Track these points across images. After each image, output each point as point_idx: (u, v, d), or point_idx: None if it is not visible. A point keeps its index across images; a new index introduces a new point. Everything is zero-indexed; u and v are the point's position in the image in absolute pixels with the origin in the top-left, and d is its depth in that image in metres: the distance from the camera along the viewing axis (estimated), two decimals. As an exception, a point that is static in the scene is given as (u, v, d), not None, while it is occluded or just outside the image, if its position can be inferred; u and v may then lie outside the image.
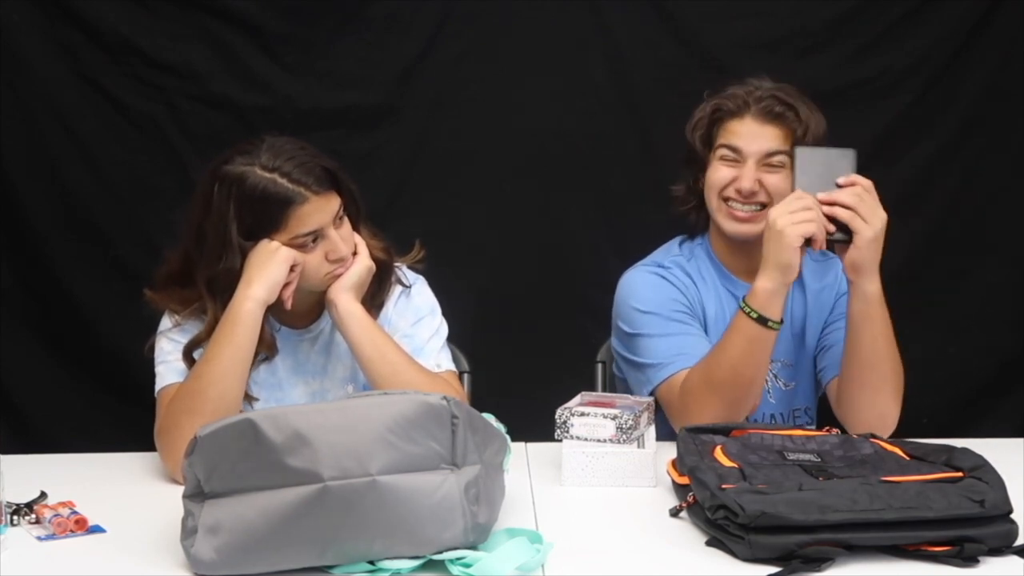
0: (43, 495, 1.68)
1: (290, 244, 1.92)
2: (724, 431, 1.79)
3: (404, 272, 2.14)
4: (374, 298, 2.07)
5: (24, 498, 1.66)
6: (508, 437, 1.64)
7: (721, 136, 2.15)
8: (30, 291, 2.86)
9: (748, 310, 1.96)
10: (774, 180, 2.11)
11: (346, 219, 1.99)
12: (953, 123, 2.90)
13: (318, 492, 1.41)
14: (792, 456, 1.67)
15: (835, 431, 1.81)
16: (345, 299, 1.97)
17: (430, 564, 1.46)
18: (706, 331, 2.17)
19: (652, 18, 2.87)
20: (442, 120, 2.88)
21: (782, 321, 1.99)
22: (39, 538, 1.58)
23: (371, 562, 1.45)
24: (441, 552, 1.45)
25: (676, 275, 2.21)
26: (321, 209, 1.92)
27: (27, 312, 2.85)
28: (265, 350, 1.99)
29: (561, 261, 2.89)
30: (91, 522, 1.61)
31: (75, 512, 1.62)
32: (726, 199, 2.13)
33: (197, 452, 1.45)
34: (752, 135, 2.12)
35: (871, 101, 2.88)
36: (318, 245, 1.94)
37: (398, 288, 2.11)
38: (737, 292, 2.17)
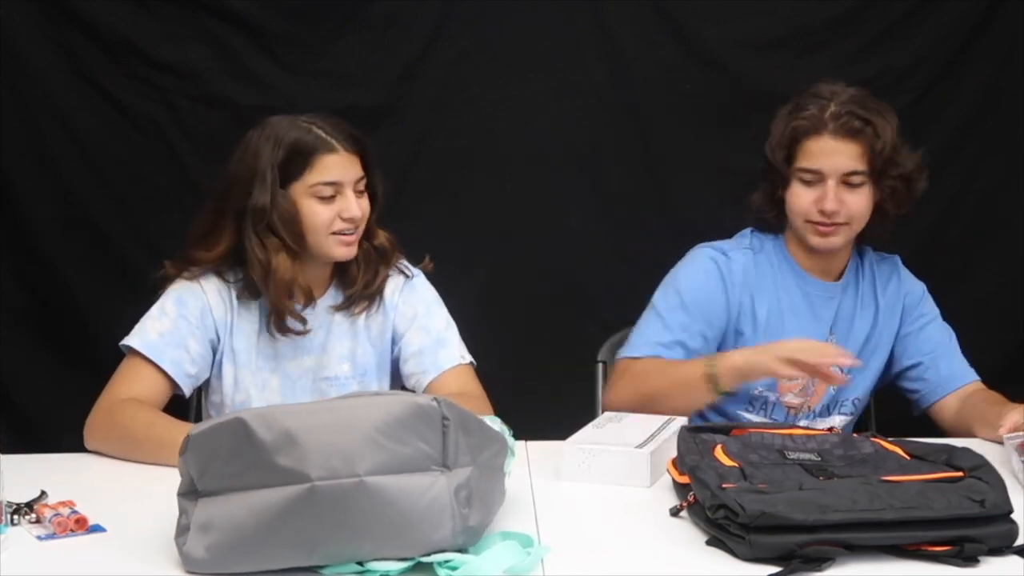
0: (43, 495, 1.68)
1: (311, 192, 2.04)
2: (724, 430, 1.79)
3: (406, 264, 2.21)
4: (368, 286, 2.14)
5: (24, 497, 1.65)
6: (512, 440, 1.63)
7: (800, 157, 2.17)
8: (30, 291, 2.86)
9: (710, 366, 2.05)
10: (854, 200, 2.15)
11: (367, 197, 2.11)
12: (953, 123, 2.90)
13: (306, 492, 1.40)
14: (792, 455, 1.66)
15: (837, 431, 1.81)
16: None
17: (419, 566, 1.44)
18: (754, 330, 2.21)
19: (652, 18, 2.87)
20: (442, 120, 2.88)
21: (734, 393, 2.10)
22: (39, 537, 1.58)
23: (360, 563, 1.44)
24: (430, 554, 1.44)
25: (734, 270, 2.22)
26: (345, 165, 2.06)
27: (27, 312, 2.85)
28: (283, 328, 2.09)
29: (561, 261, 2.89)
30: (91, 522, 1.61)
31: (75, 512, 1.61)
32: (810, 220, 2.17)
33: (190, 450, 1.45)
34: (830, 153, 2.14)
35: (871, 101, 2.88)
36: (335, 202, 2.05)
37: (401, 278, 2.19)
38: (809, 289, 2.24)
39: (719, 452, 1.67)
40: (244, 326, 2.13)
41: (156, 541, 1.54)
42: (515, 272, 2.90)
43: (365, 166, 2.10)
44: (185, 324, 2.08)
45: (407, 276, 2.20)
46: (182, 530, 1.46)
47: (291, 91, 2.78)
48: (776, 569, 1.44)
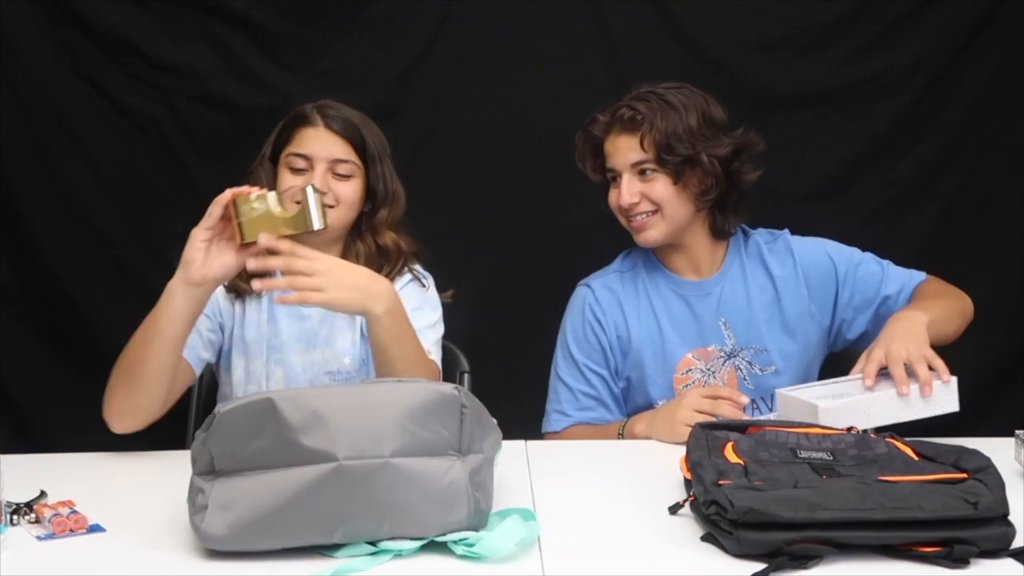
0: (43, 495, 1.69)
1: (286, 162, 2.11)
2: (740, 428, 1.78)
3: (423, 272, 2.22)
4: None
5: (24, 497, 1.66)
6: (499, 432, 1.65)
7: (605, 160, 2.26)
8: (30, 291, 2.86)
9: (620, 435, 2.15)
10: (649, 188, 2.20)
11: (352, 183, 2.13)
12: (953, 123, 2.90)
13: (332, 470, 1.45)
14: (804, 454, 1.65)
15: (856, 430, 1.79)
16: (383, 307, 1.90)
17: (431, 546, 1.50)
18: (629, 345, 2.26)
19: (652, 18, 2.87)
20: (443, 120, 2.88)
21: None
22: (39, 537, 1.58)
23: (373, 544, 1.49)
24: (444, 534, 1.50)
25: (600, 297, 2.29)
26: (319, 140, 2.10)
27: (27, 312, 2.85)
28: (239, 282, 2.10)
29: (561, 260, 2.89)
30: (91, 521, 1.61)
31: (75, 511, 1.62)
32: (625, 217, 2.24)
33: (215, 429, 1.48)
34: (617, 150, 2.22)
35: (871, 101, 2.88)
36: (305, 175, 2.09)
37: (412, 279, 2.20)
38: (684, 291, 2.28)
39: (728, 449, 1.66)
40: (253, 316, 2.16)
41: (156, 541, 1.54)
42: (515, 271, 2.90)
43: (360, 155, 2.13)
44: None
45: (422, 284, 2.21)
46: (198, 509, 1.48)
47: (291, 91, 2.78)
48: (762, 566, 1.44)
